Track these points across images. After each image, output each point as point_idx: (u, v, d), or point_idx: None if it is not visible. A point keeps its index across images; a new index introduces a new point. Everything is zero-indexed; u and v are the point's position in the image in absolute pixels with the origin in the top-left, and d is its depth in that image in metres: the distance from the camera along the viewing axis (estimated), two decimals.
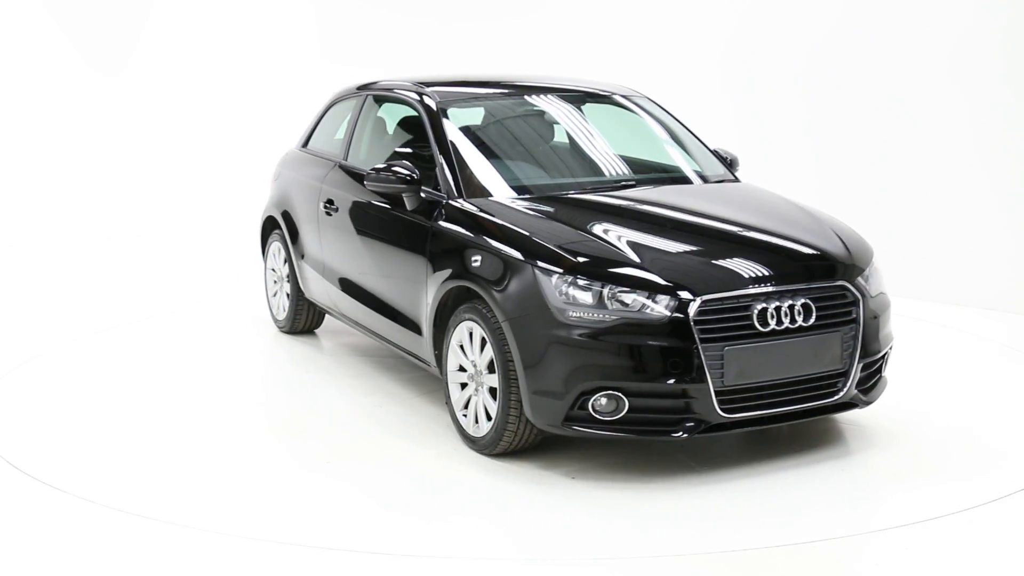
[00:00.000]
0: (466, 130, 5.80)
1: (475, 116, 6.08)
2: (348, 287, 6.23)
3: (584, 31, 10.72)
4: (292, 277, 6.97)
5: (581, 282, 4.57)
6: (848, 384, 4.82)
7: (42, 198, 11.67)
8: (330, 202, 6.36)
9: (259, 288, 8.03)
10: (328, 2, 12.48)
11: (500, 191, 5.39)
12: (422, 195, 5.47)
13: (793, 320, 4.63)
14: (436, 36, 11.70)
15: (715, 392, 4.51)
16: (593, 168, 5.89)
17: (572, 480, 4.71)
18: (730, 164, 6.20)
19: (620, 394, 4.50)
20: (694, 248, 4.94)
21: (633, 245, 4.80)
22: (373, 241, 5.89)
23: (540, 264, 4.66)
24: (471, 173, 5.47)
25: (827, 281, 4.82)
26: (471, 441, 5.03)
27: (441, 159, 5.53)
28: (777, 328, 4.60)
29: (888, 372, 5.27)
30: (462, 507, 4.52)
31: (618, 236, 4.88)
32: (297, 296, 6.96)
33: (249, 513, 4.44)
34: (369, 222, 5.97)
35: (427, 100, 5.89)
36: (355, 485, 4.73)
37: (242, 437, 5.32)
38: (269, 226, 7.40)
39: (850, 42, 8.94)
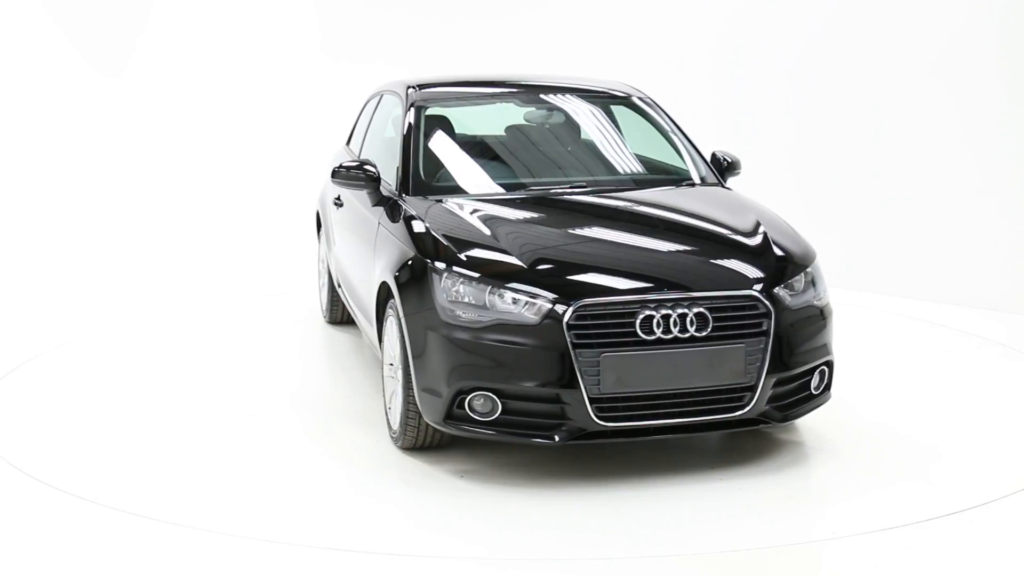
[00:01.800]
0: (434, 129, 5.91)
1: (457, 116, 6.18)
2: (344, 279, 6.54)
3: (595, 27, 10.72)
4: (328, 268, 7.26)
5: (465, 282, 4.59)
6: (755, 399, 4.58)
7: (42, 198, 11.66)
8: (338, 197, 6.62)
9: (257, 287, 8.06)
10: (330, 1, 12.48)
11: (444, 190, 5.49)
12: (381, 192, 5.64)
13: (684, 329, 4.45)
14: (442, 34, 11.69)
15: (589, 399, 4.40)
16: (550, 171, 5.89)
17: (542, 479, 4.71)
18: (728, 167, 6.01)
19: (493, 395, 4.49)
20: (595, 253, 4.90)
21: (529, 248, 4.77)
22: (352, 236, 6.13)
23: (432, 262, 4.71)
24: (420, 171, 5.57)
25: (732, 290, 4.61)
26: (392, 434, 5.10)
27: (400, 156, 5.68)
28: (664, 337, 4.44)
29: (831, 387, 5.02)
30: (460, 506, 4.52)
31: (520, 239, 4.86)
32: (331, 286, 7.19)
33: (249, 513, 4.44)
34: (353, 217, 6.17)
35: (408, 98, 6.02)
36: (355, 485, 4.73)
37: (242, 437, 5.32)
38: (317, 220, 7.73)
39: (851, 41, 8.94)
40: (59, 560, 4.04)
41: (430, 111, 5.97)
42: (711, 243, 5.04)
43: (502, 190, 5.56)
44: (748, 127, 9.57)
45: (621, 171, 5.92)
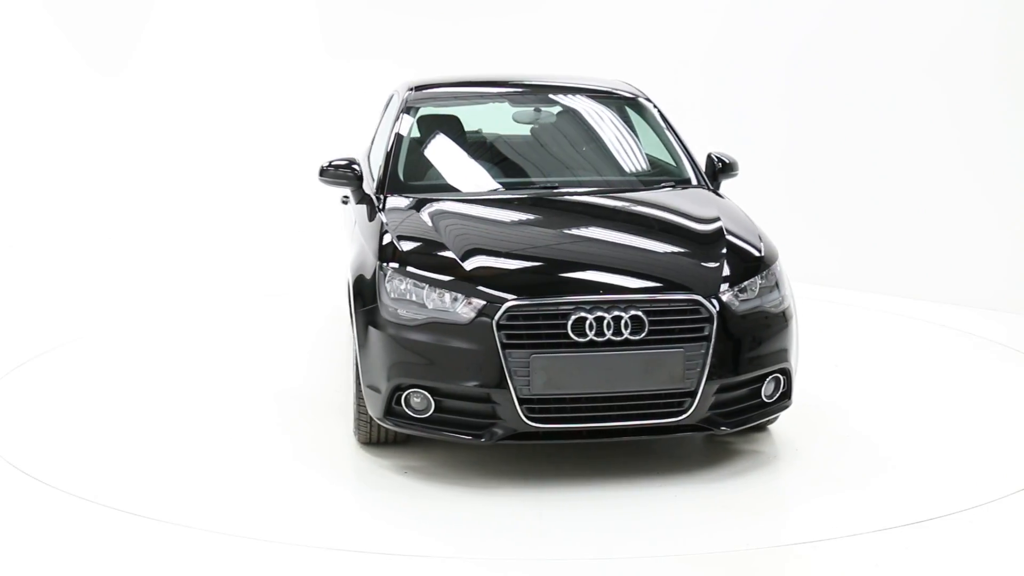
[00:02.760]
0: (421, 130, 6.00)
1: (449, 116, 6.25)
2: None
3: (603, 24, 10.72)
4: None
5: (406, 280, 4.65)
6: (695, 405, 4.51)
7: (42, 198, 11.66)
8: (345, 196, 6.62)
9: (257, 287, 8.05)
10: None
11: (421, 189, 5.56)
12: (364, 191, 5.73)
13: (618, 332, 4.42)
14: (450, 33, 11.68)
15: (519, 399, 4.40)
16: (530, 172, 5.92)
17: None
18: (723, 169, 5.89)
19: (428, 393, 4.52)
20: (539, 254, 4.93)
21: (474, 249, 4.80)
22: (347, 234, 6.19)
23: (380, 260, 4.80)
24: (399, 171, 5.66)
25: (671, 294, 4.55)
26: None
27: (383, 155, 5.78)
28: (597, 340, 4.41)
29: (791, 395, 4.89)
30: (455, 505, 4.52)
31: (468, 240, 4.90)
32: None
33: (249, 513, 4.44)
34: (346, 216, 6.25)
35: (404, 99, 6.13)
36: (356, 485, 4.72)
37: (243, 437, 5.32)
38: None
39: (852, 40, 8.93)
40: (59, 560, 4.04)
41: (421, 112, 6.07)
42: (663, 246, 4.99)
43: (476, 191, 5.61)
44: (749, 127, 9.57)
45: (602, 173, 5.87)
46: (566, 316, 4.42)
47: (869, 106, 8.84)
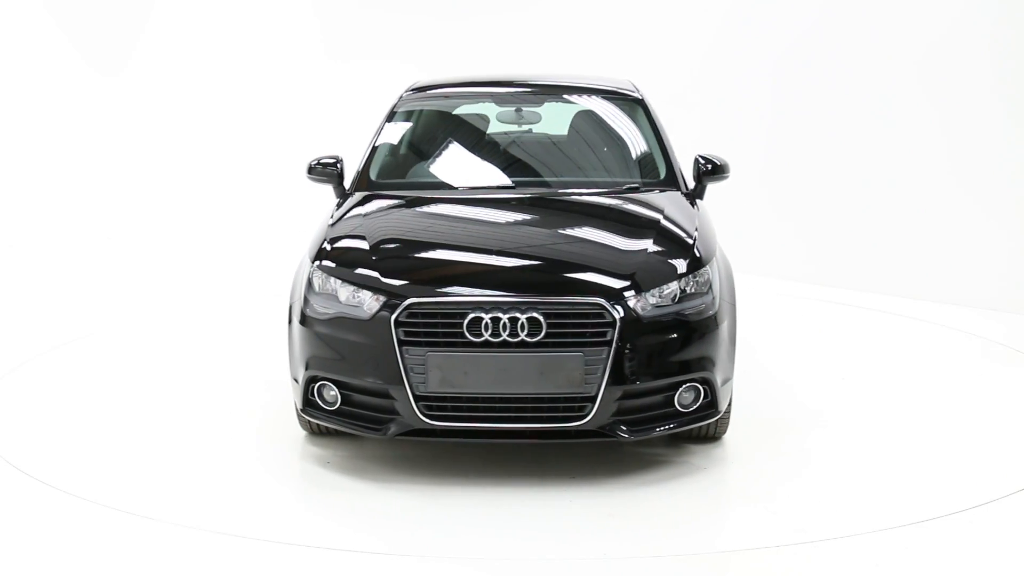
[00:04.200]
0: (404, 129, 6.10)
1: (439, 116, 6.33)
2: None
3: (605, 22, 10.72)
4: None
5: (324, 275, 4.76)
6: (595, 411, 4.44)
7: (42, 198, 11.67)
8: None
9: (258, 287, 8.04)
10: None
11: (389, 187, 5.69)
12: (344, 187, 5.82)
13: (515, 333, 4.41)
14: (453, 31, 11.69)
15: (415, 396, 4.44)
16: (498, 172, 5.92)
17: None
18: (711, 171, 5.75)
19: (334, 386, 4.63)
20: (452, 253, 4.97)
21: (391, 246, 4.88)
22: None
23: (311, 256, 4.95)
24: (370, 170, 5.81)
25: (573, 297, 4.48)
26: None
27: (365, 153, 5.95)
28: (492, 340, 4.40)
29: (718, 405, 4.71)
30: (453, 506, 4.52)
31: (390, 237, 4.97)
32: None
33: (249, 513, 4.44)
34: None
35: (399, 100, 6.23)
36: (355, 485, 4.72)
37: (243, 437, 5.32)
38: None
39: (852, 39, 8.94)
40: (59, 560, 4.04)
41: (408, 112, 6.17)
42: (583, 249, 4.93)
43: (435, 190, 5.69)
44: (750, 127, 9.57)
45: (570, 174, 5.87)
46: (463, 315, 4.42)
47: (870, 106, 8.84)
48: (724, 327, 4.75)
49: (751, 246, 9.19)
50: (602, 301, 4.45)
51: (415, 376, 4.43)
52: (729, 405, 4.94)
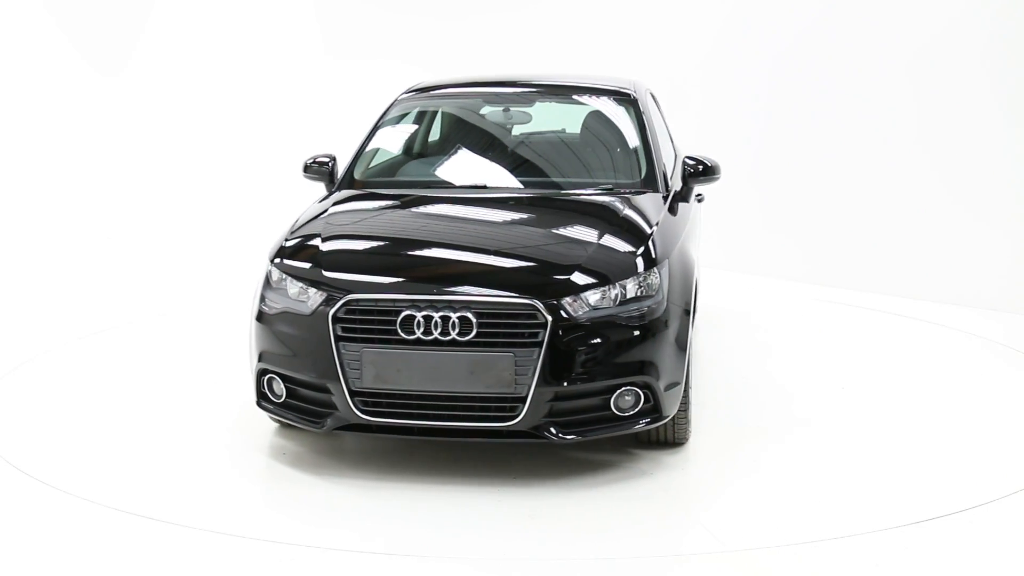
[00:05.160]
0: (392, 130, 6.18)
1: (431, 117, 6.41)
2: None
3: (608, 19, 10.72)
4: None
5: (276, 271, 4.86)
6: (525, 412, 4.43)
7: (42, 197, 11.67)
8: None
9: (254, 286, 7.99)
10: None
11: (369, 185, 5.77)
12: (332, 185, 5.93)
13: (446, 332, 4.43)
14: (455, 31, 11.70)
15: (350, 392, 4.51)
16: (474, 172, 5.93)
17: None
18: (700, 172, 5.72)
19: (280, 380, 4.75)
20: (397, 252, 5.03)
21: (340, 243, 4.94)
22: None
23: (272, 253, 5.03)
24: (353, 168, 5.91)
25: (505, 297, 4.47)
26: None
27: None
28: (424, 338, 4.43)
29: (662, 410, 4.65)
30: (451, 505, 4.52)
31: (342, 235, 5.04)
32: None
33: (249, 513, 4.44)
34: None
35: (395, 101, 6.33)
36: (356, 485, 4.73)
37: (243, 437, 5.32)
38: None
39: (853, 38, 8.93)
40: (59, 560, 4.04)
41: (398, 113, 6.23)
42: (526, 250, 4.89)
43: (408, 189, 5.75)
44: (750, 127, 9.57)
45: (547, 175, 5.86)
46: (397, 312, 4.47)
47: (870, 106, 8.84)
48: (671, 331, 4.69)
49: (751, 246, 9.20)
50: (534, 302, 4.44)
51: (351, 372, 4.49)
52: (683, 409, 4.88)
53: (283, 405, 4.82)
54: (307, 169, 5.96)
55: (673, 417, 4.83)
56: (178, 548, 4.12)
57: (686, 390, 4.88)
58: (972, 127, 8.22)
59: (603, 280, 4.60)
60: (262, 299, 4.87)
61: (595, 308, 4.54)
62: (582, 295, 4.53)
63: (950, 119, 8.34)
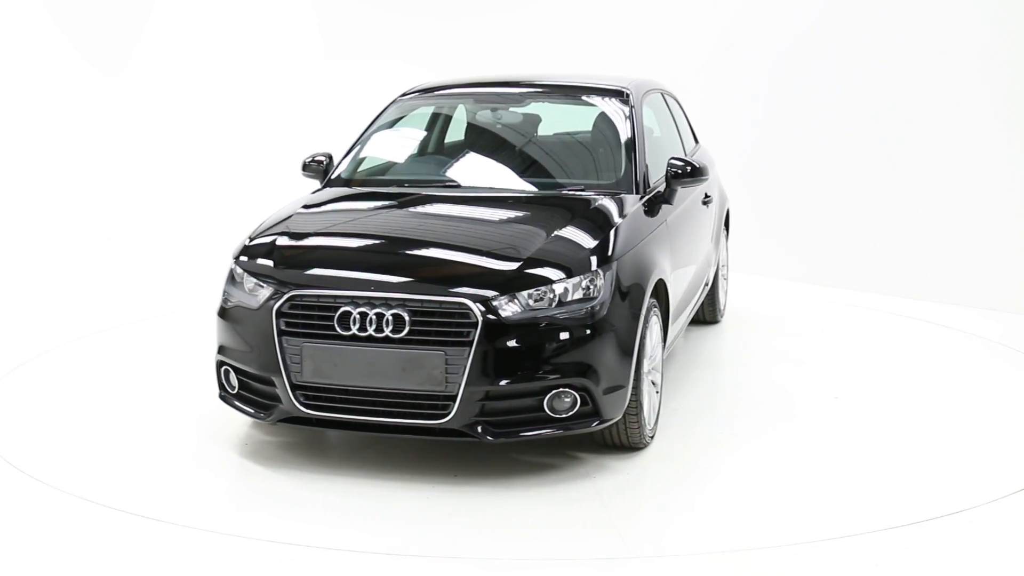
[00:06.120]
0: (382, 132, 6.22)
1: (423, 117, 6.45)
2: None
3: (596, 23, 10.72)
4: None
5: (238, 269, 4.99)
6: (455, 410, 4.46)
7: (43, 197, 11.67)
8: None
9: None
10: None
11: (353, 183, 5.86)
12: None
13: (380, 329, 4.49)
14: (450, 32, 11.69)
15: (291, 385, 4.62)
16: (442, 172, 5.99)
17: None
18: (684, 175, 5.58)
19: (233, 372, 4.92)
20: (347, 250, 5.07)
21: (296, 240, 5.05)
22: None
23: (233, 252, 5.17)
24: (341, 167, 6.01)
25: (437, 296, 4.51)
26: None
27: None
28: (359, 334, 4.50)
29: (602, 414, 4.60)
30: (450, 505, 4.52)
31: (302, 231, 5.15)
32: None
33: (249, 513, 4.44)
34: None
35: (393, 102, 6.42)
36: (356, 485, 4.73)
37: (243, 437, 5.32)
38: None
39: (855, 37, 8.94)
40: (59, 560, 4.04)
41: (392, 115, 6.29)
42: (466, 250, 4.88)
43: (383, 187, 5.82)
44: (751, 126, 9.58)
45: (520, 175, 5.78)
46: (335, 308, 4.57)
47: (870, 106, 8.84)
48: (614, 334, 4.64)
49: (751, 246, 9.19)
50: (466, 301, 4.48)
51: (293, 365, 4.61)
52: (634, 413, 4.81)
53: (236, 396, 4.97)
54: (306, 168, 6.08)
55: (625, 421, 4.83)
56: (178, 548, 4.12)
57: (637, 394, 4.81)
58: (972, 127, 8.22)
59: (542, 281, 4.60)
60: (224, 295, 5.02)
61: (531, 309, 4.54)
62: (519, 296, 4.54)
63: (950, 119, 8.34)
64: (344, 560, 3.99)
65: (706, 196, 6.63)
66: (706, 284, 6.85)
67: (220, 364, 5.02)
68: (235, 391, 4.97)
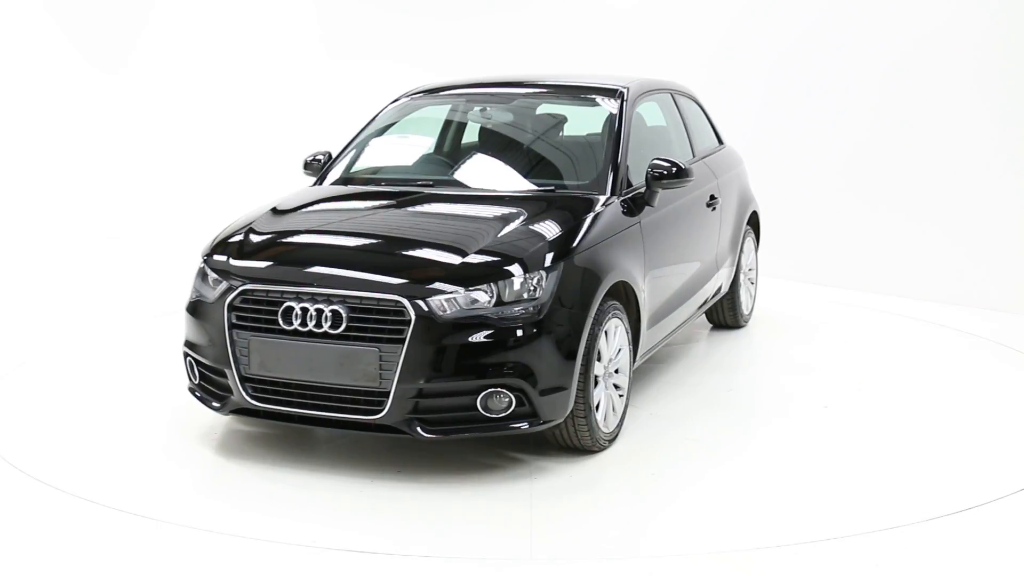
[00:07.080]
0: (386, 127, 6.31)
1: (421, 117, 6.49)
2: None
3: (596, 23, 10.72)
4: None
5: (205, 266, 5.09)
6: (389, 406, 4.51)
7: (42, 197, 11.67)
8: None
9: None
10: None
11: (343, 181, 5.95)
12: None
13: (319, 324, 4.58)
14: (450, 32, 11.69)
15: (241, 377, 4.75)
16: (439, 171, 6.02)
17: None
18: (664, 176, 5.46)
19: (195, 364, 5.06)
20: (290, 246, 5.14)
21: (261, 236, 5.13)
22: None
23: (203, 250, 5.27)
24: (334, 164, 6.13)
25: (373, 293, 4.55)
26: None
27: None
28: (301, 329, 4.61)
29: (541, 415, 4.57)
30: (450, 506, 4.52)
31: (269, 228, 5.23)
32: None
33: (249, 513, 4.44)
34: None
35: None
36: (356, 485, 4.73)
37: (243, 437, 5.32)
38: None
39: (855, 36, 8.94)
40: (59, 560, 4.04)
41: (388, 117, 6.34)
42: (408, 249, 4.94)
43: (361, 185, 5.88)
44: (752, 126, 9.57)
45: (496, 175, 5.76)
46: (280, 303, 4.68)
47: (871, 106, 8.84)
48: (553, 335, 4.61)
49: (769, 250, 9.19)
50: (400, 299, 4.53)
51: (242, 358, 4.74)
52: (582, 415, 4.77)
53: (198, 387, 5.09)
54: (307, 166, 6.21)
55: (573, 423, 4.81)
56: (178, 548, 4.12)
57: (586, 396, 4.77)
58: (973, 128, 8.22)
59: (480, 280, 4.60)
60: (193, 290, 5.12)
61: (467, 308, 4.55)
62: (455, 294, 4.56)
63: (950, 119, 8.34)
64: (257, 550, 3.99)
65: (711, 198, 6.49)
66: (719, 289, 6.79)
67: (184, 356, 5.16)
68: (197, 382, 5.10)
